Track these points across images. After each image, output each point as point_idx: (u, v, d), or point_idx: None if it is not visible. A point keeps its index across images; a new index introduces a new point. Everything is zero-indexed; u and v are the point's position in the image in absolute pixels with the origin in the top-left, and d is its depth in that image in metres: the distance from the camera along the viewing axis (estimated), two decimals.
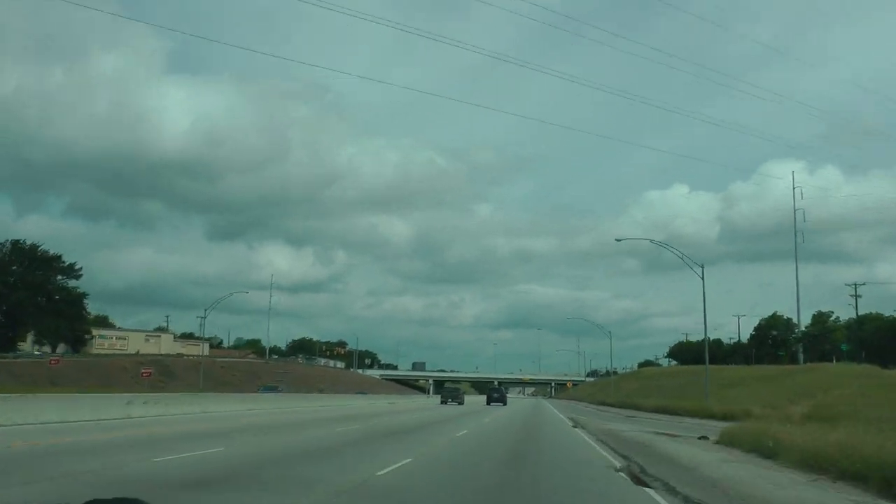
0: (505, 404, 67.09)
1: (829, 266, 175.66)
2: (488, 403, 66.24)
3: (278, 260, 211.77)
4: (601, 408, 66.79)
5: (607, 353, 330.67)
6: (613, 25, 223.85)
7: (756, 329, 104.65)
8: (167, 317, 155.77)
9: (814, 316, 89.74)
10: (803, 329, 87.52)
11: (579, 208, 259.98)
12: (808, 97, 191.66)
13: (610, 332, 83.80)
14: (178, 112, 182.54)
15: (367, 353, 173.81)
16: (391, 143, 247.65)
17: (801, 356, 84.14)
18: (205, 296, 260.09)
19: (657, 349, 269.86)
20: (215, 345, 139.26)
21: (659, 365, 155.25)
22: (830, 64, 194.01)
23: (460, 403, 64.25)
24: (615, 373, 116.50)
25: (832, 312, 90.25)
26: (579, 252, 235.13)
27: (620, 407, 63.51)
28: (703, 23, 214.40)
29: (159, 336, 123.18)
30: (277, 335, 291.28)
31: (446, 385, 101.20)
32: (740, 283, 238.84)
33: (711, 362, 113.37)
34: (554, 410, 56.37)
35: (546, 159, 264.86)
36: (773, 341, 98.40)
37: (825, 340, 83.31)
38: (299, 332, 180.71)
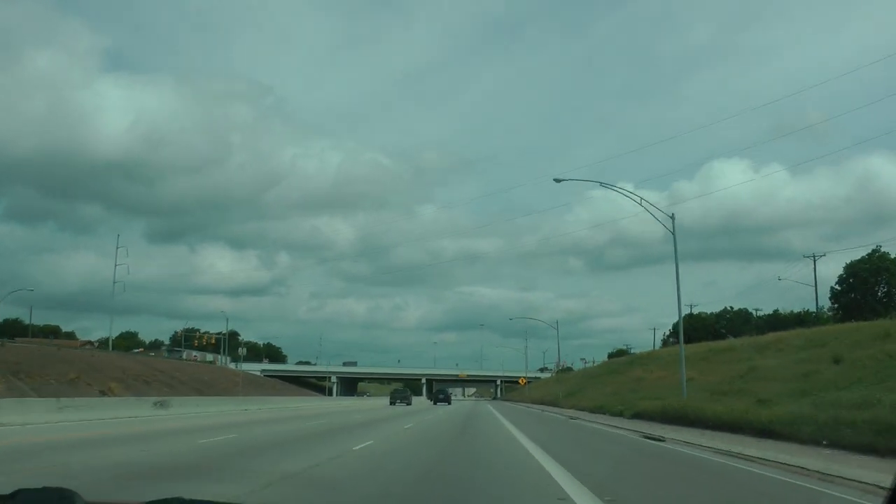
0: (450, 404, 72.00)
1: (774, 264, 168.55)
2: (435, 403, 72.90)
3: (220, 262, 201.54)
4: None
5: (556, 351, 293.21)
6: (556, 25, 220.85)
7: (843, 277, 66.78)
8: None
9: None
10: None
11: (525, 208, 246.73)
12: (751, 96, 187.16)
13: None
14: (115, 112, 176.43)
15: (249, 345, 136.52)
16: (335, 144, 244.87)
17: None
18: (146, 300, 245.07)
19: (600, 350, 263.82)
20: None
21: (629, 353, 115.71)
22: (773, 63, 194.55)
23: (408, 404, 67.76)
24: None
25: None
26: (525, 252, 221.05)
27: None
28: (644, 22, 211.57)
29: None
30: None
31: (395, 388, 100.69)
32: (688, 280, 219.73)
33: (734, 334, 74.69)
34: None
35: (492, 160, 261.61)
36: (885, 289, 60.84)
37: None
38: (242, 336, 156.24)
